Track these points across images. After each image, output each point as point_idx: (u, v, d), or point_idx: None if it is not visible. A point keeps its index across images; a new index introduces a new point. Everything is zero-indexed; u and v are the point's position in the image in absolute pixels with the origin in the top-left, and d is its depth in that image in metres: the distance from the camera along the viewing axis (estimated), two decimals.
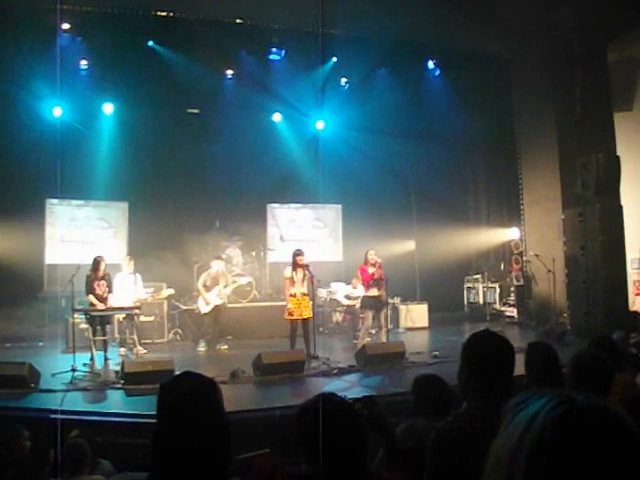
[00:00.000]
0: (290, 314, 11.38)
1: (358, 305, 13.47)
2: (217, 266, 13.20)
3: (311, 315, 11.43)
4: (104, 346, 11.46)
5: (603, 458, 0.96)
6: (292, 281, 11.45)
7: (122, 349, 12.25)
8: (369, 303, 12.47)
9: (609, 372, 3.62)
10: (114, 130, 15.54)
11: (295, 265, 11.49)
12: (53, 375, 9.49)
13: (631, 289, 14.29)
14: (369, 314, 12.46)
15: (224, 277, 13.34)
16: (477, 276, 17.75)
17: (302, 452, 2.52)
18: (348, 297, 14.32)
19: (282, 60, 15.68)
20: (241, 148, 15.99)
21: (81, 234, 15.38)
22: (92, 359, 10.93)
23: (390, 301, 13.43)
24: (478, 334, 2.88)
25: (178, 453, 1.93)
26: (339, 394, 2.72)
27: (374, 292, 12.41)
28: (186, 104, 16.21)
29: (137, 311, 12.19)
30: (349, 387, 8.92)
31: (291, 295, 11.40)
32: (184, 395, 2.03)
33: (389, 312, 13.39)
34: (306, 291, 11.48)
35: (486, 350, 2.71)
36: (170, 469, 1.94)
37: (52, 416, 7.36)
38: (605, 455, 0.96)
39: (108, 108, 15.69)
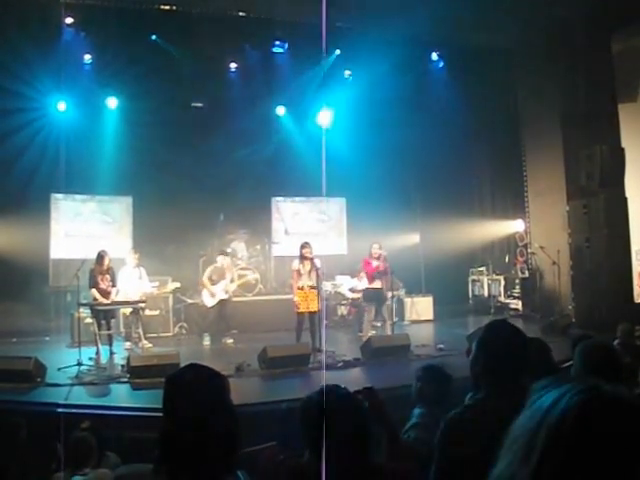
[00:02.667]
0: (297, 307, 11.41)
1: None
2: (223, 260, 13.22)
3: (317, 308, 11.44)
4: (109, 340, 11.48)
5: (620, 448, 0.96)
6: (299, 274, 11.47)
7: (127, 343, 12.28)
8: (371, 295, 12.50)
9: (619, 363, 3.61)
10: (118, 124, 15.52)
11: (302, 257, 11.51)
12: (59, 369, 9.54)
13: (636, 281, 14.23)
14: (371, 307, 12.48)
15: (230, 271, 13.36)
16: (482, 269, 17.72)
17: (306, 444, 2.52)
18: (353, 290, 14.31)
19: (285, 53, 15.66)
20: (245, 141, 15.98)
21: (86, 229, 15.41)
22: (98, 353, 10.96)
23: (395, 293, 13.40)
24: (495, 323, 2.89)
25: (185, 444, 1.94)
26: (344, 386, 2.72)
27: (377, 284, 12.43)
28: (190, 98, 16.20)
29: (142, 305, 12.22)
30: (354, 380, 8.93)
31: (298, 288, 11.43)
32: (190, 386, 2.04)
33: (394, 305, 13.40)
34: (313, 284, 11.49)
35: (503, 339, 2.72)
36: (177, 460, 1.95)
37: (58, 410, 7.40)
38: (622, 445, 0.96)
39: (112, 102, 15.68)
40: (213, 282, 12.97)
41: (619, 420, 0.98)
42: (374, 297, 12.54)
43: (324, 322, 11.71)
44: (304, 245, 11.64)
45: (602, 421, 0.98)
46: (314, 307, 11.42)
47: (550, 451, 0.98)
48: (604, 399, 1.01)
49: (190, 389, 2.03)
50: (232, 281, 13.27)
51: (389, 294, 12.85)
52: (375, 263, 12.40)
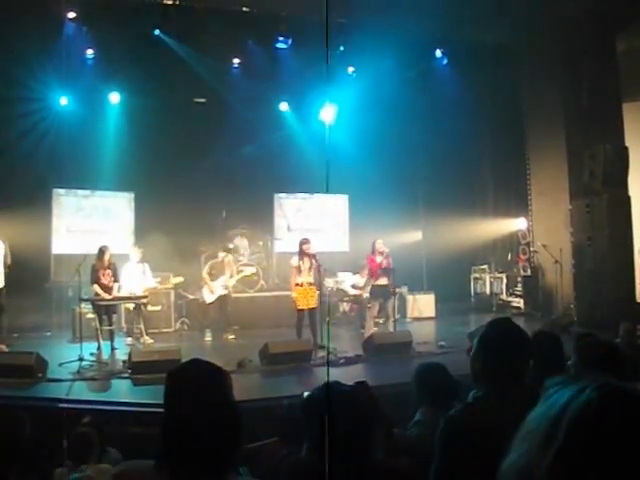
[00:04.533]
0: (296, 304, 11.38)
1: (365, 295, 13.46)
2: (224, 256, 13.22)
3: (316, 305, 11.42)
4: (111, 336, 11.49)
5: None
6: (299, 270, 11.42)
7: (129, 339, 12.27)
8: (377, 292, 12.45)
9: (622, 361, 3.59)
10: (120, 119, 15.52)
11: (302, 254, 11.47)
12: (60, 365, 9.54)
13: (638, 280, 14.21)
14: (375, 303, 12.44)
15: (229, 267, 13.36)
16: (484, 266, 17.70)
17: (308, 440, 2.52)
18: (355, 287, 14.30)
19: (289, 49, 15.61)
20: (247, 137, 15.96)
21: (88, 224, 15.40)
22: (99, 349, 10.98)
23: (397, 290, 13.36)
24: (497, 321, 2.88)
25: (187, 440, 1.93)
26: (345, 383, 2.71)
27: (383, 281, 12.38)
28: (192, 93, 16.18)
29: (144, 300, 12.22)
30: (356, 376, 8.90)
31: (297, 284, 11.39)
32: (192, 382, 2.03)
33: (396, 302, 13.38)
34: (313, 280, 11.47)
35: (504, 338, 2.70)
36: (179, 456, 1.94)
37: (59, 405, 7.40)
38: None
39: (114, 97, 15.68)
40: (212, 277, 12.97)
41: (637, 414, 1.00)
42: (380, 294, 12.49)
43: (323, 319, 11.66)
44: (304, 241, 11.59)
45: (623, 413, 1.00)
46: (313, 304, 11.39)
47: (573, 438, 1.00)
48: (623, 394, 1.04)
49: (191, 385, 2.02)
50: (231, 277, 13.27)
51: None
52: (379, 259, 12.35)
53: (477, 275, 17.80)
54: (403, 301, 15.28)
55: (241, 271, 14.49)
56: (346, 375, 8.82)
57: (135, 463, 2.34)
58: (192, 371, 2.09)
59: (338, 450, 2.35)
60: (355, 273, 14.56)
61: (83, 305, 11.81)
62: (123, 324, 12.88)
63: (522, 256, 16.87)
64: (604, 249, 13.18)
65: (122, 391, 8.61)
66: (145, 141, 14.80)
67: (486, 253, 18.44)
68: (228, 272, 13.14)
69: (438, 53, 16.79)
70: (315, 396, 2.54)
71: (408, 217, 17.62)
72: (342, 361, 10.09)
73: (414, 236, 18.11)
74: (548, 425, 1.04)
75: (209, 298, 12.95)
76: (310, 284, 11.43)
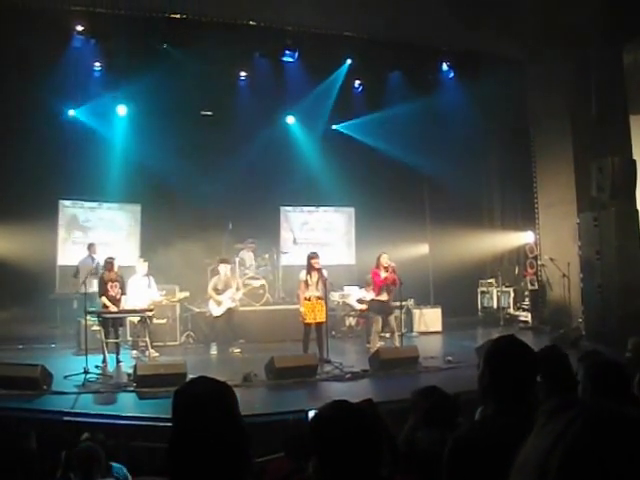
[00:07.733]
0: (304, 318, 11.35)
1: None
2: (225, 269, 13.17)
3: (324, 319, 11.38)
4: (116, 348, 11.44)
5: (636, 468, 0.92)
6: (307, 284, 11.40)
7: (134, 351, 12.23)
8: (377, 308, 12.39)
9: (628, 381, 3.55)
10: (127, 132, 15.57)
11: (310, 268, 11.44)
12: (65, 377, 9.52)
13: None
14: (378, 318, 12.38)
15: (235, 280, 13.33)
16: (491, 280, 17.62)
17: (315, 458, 2.48)
18: (361, 301, 14.23)
19: (295, 62, 15.61)
20: (254, 150, 15.94)
21: (93, 236, 15.40)
22: (104, 361, 10.93)
23: (403, 304, 13.29)
24: (502, 339, 2.84)
25: (195, 458, 1.90)
26: (351, 399, 2.68)
27: (383, 297, 12.32)
28: (199, 106, 16.21)
29: (150, 314, 12.17)
30: (362, 392, 8.85)
31: (306, 299, 11.36)
32: (199, 400, 2.00)
33: (402, 316, 13.31)
34: (321, 295, 11.43)
35: (509, 356, 2.66)
36: (187, 474, 1.92)
37: (64, 418, 7.37)
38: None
39: (121, 109, 15.73)
40: (219, 292, 12.93)
41: (636, 442, 0.94)
42: (379, 309, 12.43)
43: (329, 333, 11.63)
44: (312, 256, 11.57)
45: (620, 442, 0.94)
46: (321, 318, 11.36)
47: (568, 471, 0.94)
48: (620, 420, 0.97)
49: (198, 403, 2.00)
50: (238, 289, 13.23)
51: (397, 305, 12.72)
52: (383, 274, 12.28)
53: (484, 289, 17.73)
54: (410, 315, 15.20)
55: (248, 284, 14.45)
56: (352, 390, 8.80)
57: None
58: (199, 389, 2.06)
59: (345, 468, 2.32)
60: (361, 287, 14.50)
61: (88, 317, 11.78)
62: (128, 337, 12.85)
63: (530, 270, 16.79)
64: (612, 263, 13.10)
65: (127, 404, 8.59)
66: (152, 153, 14.79)
67: (493, 267, 18.37)
68: (234, 285, 13.10)
69: (445, 67, 16.75)
70: (322, 414, 2.51)
71: (415, 230, 17.58)
72: (348, 376, 10.05)
73: (421, 249, 18.05)
74: (542, 458, 0.99)
75: (216, 311, 12.89)
76: (318, 298, 11.39)
